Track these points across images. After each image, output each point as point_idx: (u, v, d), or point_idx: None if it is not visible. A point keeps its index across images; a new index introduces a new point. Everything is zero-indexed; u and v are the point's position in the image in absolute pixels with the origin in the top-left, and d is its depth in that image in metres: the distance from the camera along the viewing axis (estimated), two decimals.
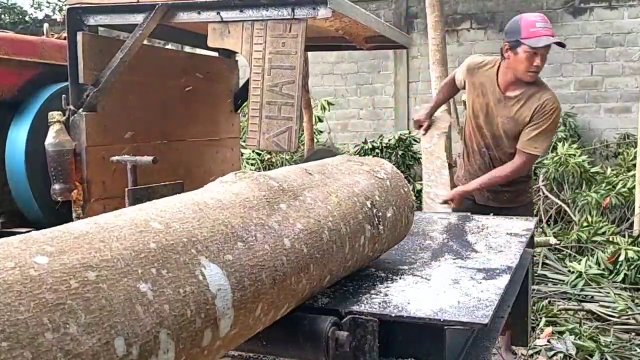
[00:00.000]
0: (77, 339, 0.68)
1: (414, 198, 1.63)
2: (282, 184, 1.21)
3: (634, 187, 5.35)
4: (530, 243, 2.10)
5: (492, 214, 2.53)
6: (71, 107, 1.93)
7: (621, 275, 4.31)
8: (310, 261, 1.15)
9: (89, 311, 0.71)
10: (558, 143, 6.55)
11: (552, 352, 3.37)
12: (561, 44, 2.73)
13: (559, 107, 2.83)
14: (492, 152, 2.97)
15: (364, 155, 6.57)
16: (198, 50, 2.75)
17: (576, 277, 4.33)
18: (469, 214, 2.48)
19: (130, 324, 0.75)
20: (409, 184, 1.62)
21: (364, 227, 1.36)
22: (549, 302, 4.05)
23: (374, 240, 1.41)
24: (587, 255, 4.72)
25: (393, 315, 1.20)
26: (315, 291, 1.24)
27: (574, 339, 3.43)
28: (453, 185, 3.12)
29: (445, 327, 1.18)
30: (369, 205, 1.40)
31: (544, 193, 6.11)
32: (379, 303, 1.27)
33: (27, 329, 0.64)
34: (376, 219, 1.41)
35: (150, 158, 1.81)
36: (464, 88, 3.11)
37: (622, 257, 4.36)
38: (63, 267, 0.73)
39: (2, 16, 10.26)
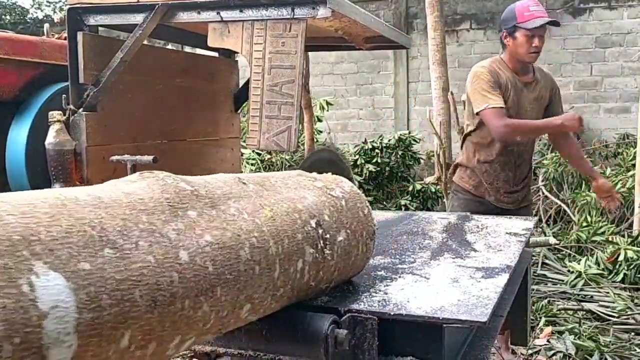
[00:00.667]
0: None
1: (375, 223, 1.44)
2: (198, 189, 1.04)
3: (633, 187, 5.36)
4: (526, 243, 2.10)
5: (509, 216, 2.52)
6: (71, 106, 1.93)
7: (621, 275, 4.32)
8: (216, 282, 0.93)
9: None
10: None
11: (552, 352, 3.37)
12: (555, 23, 2.90)
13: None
14: (518, 147, 3.01)
15: (363, 155, 6.58)
16: (198, 50, 2.76)
17: (576, 277, 4.33)
18: (468, 213, 2.49)
19: None
20: (370, 206, 1.43)
21: (304, 249, 1.15)
22: (549, 301, 4.06)
23: (318, 267, 1.20)
24: (586, 255, 4.72)
25: (392, 313, 1.20)
26: (229, 324, 1.00)
27: (574, 339, 3.43)
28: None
29: (445, 326, 1.18)
30: (313, 225, 1.20)
31: (543, 193, 6.12)
32: (378, 301, 1.27)
33: None
34: (322, 242, 1.20)
35: (150, 157, 1.81)
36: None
37: (621, 257, 4.36)
38: None
39: (4, 16, 10.27)
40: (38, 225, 0.75)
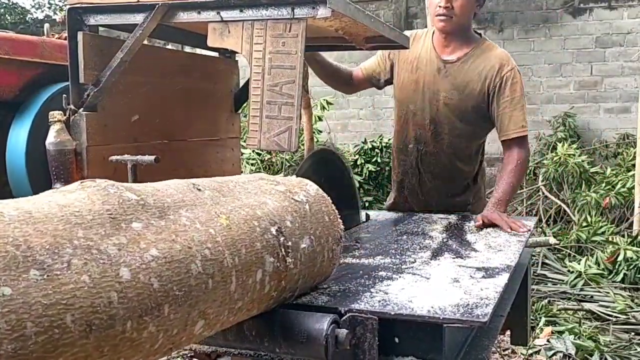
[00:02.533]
0: None
1: (342, 227, 1.38)
2: (145, 198, 0.96)
3: (633, 187, 5.36)
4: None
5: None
6: (72, 106, 1.93)
7: (620, 275, 4.33)
8: (164, 300, 0.86)
9: None
10: (558, 143, 6.56)
11: (552, 352, 3.37)
12: None
13: (516, 66, 2.39)
14: (425, 147, 2.48)
15: (363, 155, 6.58)
16: (198, 50, 2.76)
17: (575, 277, 4.34)
18: (468, 213, 2.49)
19: None
20: (337, 211, 1.38)
21: (264, 259, 1.09)
22: (549, 301, 4.06)
23: (279, 276, 1.14)
24: (586, 255, 4.73)
25: (393, 313, 1.21)
26: (180, 342, 0.94)
27: (574, 339, 3.44)
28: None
29: (445, 325, 1.18)
30: (274, 232, 1.14)
31: (543, 193, 6.12)
32: (379, 301, 1.27)
33: None
34: (283, 250, 1.14)
35: (152, 157, 1.81)
36: (378, 82, 2.61)
37: (621, 257, 4.37)
38: None
39: (4, 16, 10.27)
40: None
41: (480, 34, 2.52)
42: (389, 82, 2.63)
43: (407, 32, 2.58)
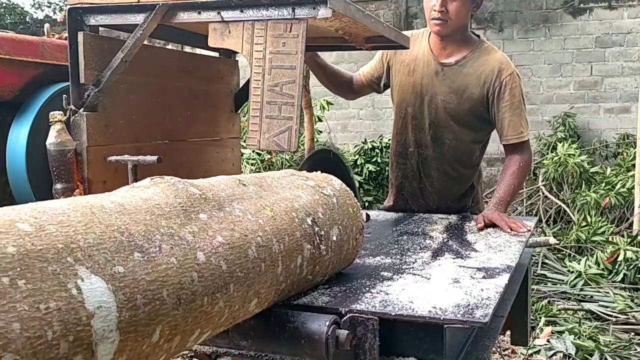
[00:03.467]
0: None
1: (363, 219, 1.52)
2: (205, 192, 1.09)
3: (633, 187, 5.37)
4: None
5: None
6: (72, 107, 1.93)
7: (620, 275, 4.33)
8: (230, 280, 1.00)
9: None
10: (558, 143, 6.56)
11: (552, 352, 3.38)
12: None
13: (516, 70, 2.35)
14: (425, 150, 2.45)
15: (363, 155, 6.59)
16: (198, 51, 2.76)
17: (575, 277, 4.34)
18: (468, 213, 2.49)
19: None
20: (359, 204, 1.52)
21: (302, 246, 1.22)
22: (549, 301, 4.06)
23: (314, 262, 1.27)
24: (586, 255, 4.73)
25: (393, 314, 1.21)
26: (238, 317, 1.08)
27: (574, 339, 3.44)
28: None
29: (446, 326, 1.18)
30: (310, 223, 1.27)
31: (543, 193, 6.12)
32: (380, 302, 1.27)
33: None
34: (317, 238, 1.27)
35: (154, 157, 1.81)
36: (378, 86, 2.59)
37: (621, 257, 4.37)
38: None
39: (4, 17, 10.27)
40: (76, 233, 0.80)
41: (478, 35, 2.48)
42: (388, 85, 2.61)
43: (406, 32, 2.56)
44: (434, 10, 2.26)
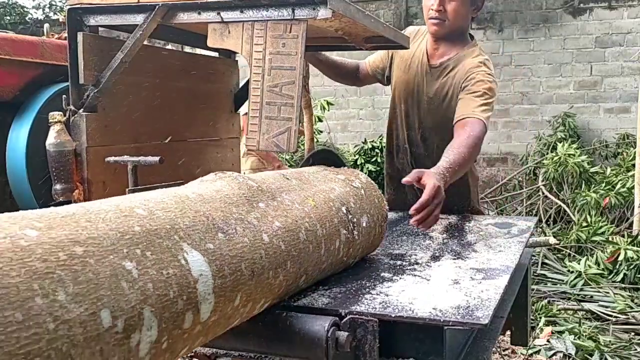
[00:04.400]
0: (65, 307, 0.71)
1: (387, 208, 1.65)
2: (260, 184, 1.26)
3: (633, 187, 5.37)
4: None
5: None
6: (72, 107, 1.93)
7: (620, 275, 4.33)
8: (287, 258, 1.18)
9: (77, 282, 0.74)
10: (558, 143, 6.56)
11: (552, 352, 3.38)
12: None
13: (491, 72, 2.22)
14: (417, 149, 2.44)
15: (363, 155, 6.59)
16: (198, 51, 2.75)
17: (575, 277, 4.34)
18: (468, 213, 2.48)
19: (116, 298, 0.78)
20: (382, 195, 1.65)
21: (340, 231, 1.39)
22: (549, 301, 4.06)
23: (349, 245, 1.44)
24: (586, 255, 4.73)
25: (393, 315, 1.20)
26: (291, 290, 1.26)
27: (574, 339, 3.44)
28: None
29: (445, 327, 1.18)
30: (344, 211, 1.44)
31: (543, 193, 6.12)
32: (379, 303, 1.27)
33: (18, 293, 0.67)
34: (351, 225, 1.45)
35: (156, 158, 1.81)
36: (382, 77, 2.57)
37: (621, 257, 4.37)
38: (52, 241, 0.76)
39: (4, 17, 10.26)
40: (176, 217, 0.98)
41: (472, 37, 2.44)
42: (390, 79, 2.61)
43: (413, 27, 2.57)
44: (432, 10, 2.24)
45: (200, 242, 0.98)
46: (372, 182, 1.65)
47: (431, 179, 1.72)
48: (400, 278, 1.47)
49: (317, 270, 1.33)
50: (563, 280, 4.42)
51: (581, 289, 4.23)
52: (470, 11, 2.31)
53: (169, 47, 5.44)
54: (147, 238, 0.89)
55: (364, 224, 1.51)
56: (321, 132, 7.70)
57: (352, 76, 2.68)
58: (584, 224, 5.20)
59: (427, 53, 2.39)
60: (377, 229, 1.59)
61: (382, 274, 1.51)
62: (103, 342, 0.75)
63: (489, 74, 2.21)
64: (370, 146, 6.82)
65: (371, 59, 2.64)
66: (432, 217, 1.70)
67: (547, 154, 6.59)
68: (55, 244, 0.76)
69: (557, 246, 4.90)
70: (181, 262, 0.92)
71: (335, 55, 2.68)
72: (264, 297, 1.13)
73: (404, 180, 1.76)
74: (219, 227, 1.05)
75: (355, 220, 1.47)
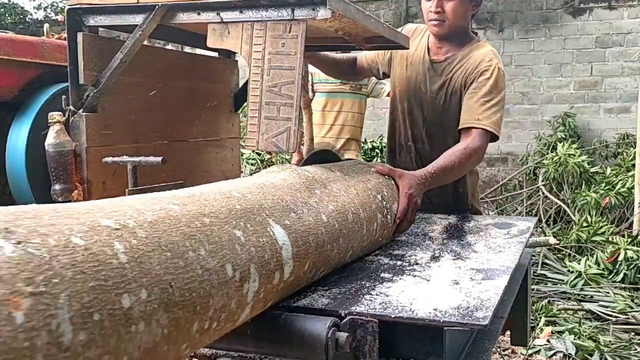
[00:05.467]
0: (206, 259, 0.96)
1: None
2: (314, 175, 1.51)
3: (633, 187, 5.37)
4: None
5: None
6: (71, 107, 1.93)
7: (620, 275, 4.33)
8: (339, 235, 1.42)
9: (210, 243, 1.00)
10: (558, 143, 6.56)
11: (552, 352, 3.38)
12: None
13: (500, 65, 2.26)
14: (422, 145, 2.46)
15: (363, 155, 6.59)
16: (198, 51, 2.75)
17: (576, 277, 4.34)
18: (468, 214, 2.48)
19: (233, 256, 1.04)
20: None
21: (377, 215, 1.65)
22: (549, 301, 4.06)
23: (383, 227, 1.70)
24: (586, 255, 4.73)
25: (393, 316, 1.20)
26: (341, 262, 1.51)
27: (574, 339, 3.44)
28: None
29: (445, 328, 1.18)
30: (380, 198, 1.69)
31: (543, 193, 6.12)
32: (379, 304, 1.27)
33: (178, 247, 0.92)
34: (385, 210, 1.70)
35: (159, 158, 1.81)
36: (377, 72, 2.60)
37: (621, 257, 4.37)
38: (188, 213, 1.01)
39: (4, 17, 10.26)
40: (260, 199, 1.22)
41: (476, 33, 2.48)
42: (387, 74, 2.63)
43: (411, 24, 2.59)
44: (430, 12, 2.28)
45: (280, 218, 1.22)
46: (406, 174, 1.88)
47: (405, 184, 1.84)
48: (400, 278, 1.47)
49: (359, 247, 1.58)
50: (563, 280, 4.42)
51: (581, 289, 4.23)
52: (470, 8, 2.33)
53: (169, 47, 5.43)
54: (245, 214, 1.14)
55: (394, 210, 1.77)
56: None
57: (350, 71, 2.71)
58: (584, 224, 5.20)
59: (428, 50, 2.41)
60: (392, 220, 1.81)
61: (382, 275, 1.51)
62: (227, 287, 1.00)
63: (498, 69, 2.24)
64: (370, 146, 6.82)
65: (368, 53, 2.64)
66: (407, 222, 1.83)
67: (547, 154, 6.59)
68: (191, 216, 1.01)
69: (557, 246, 4.90)
70: (270, 233, 1.16)
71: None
72: (323, 266, 1.38)
73: (378, 168, 1.84)
74: (291, 208, 1.28)
75: (388, 206, 1.72)
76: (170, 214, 0.97)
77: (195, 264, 0.93)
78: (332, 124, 4.53)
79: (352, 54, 2.76)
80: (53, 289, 0.69)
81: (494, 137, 2.22)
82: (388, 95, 3.99)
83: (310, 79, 4.34)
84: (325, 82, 4.26)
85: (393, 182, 1.81)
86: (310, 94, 4.51)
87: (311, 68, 4.31)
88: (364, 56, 2.66)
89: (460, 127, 2.21)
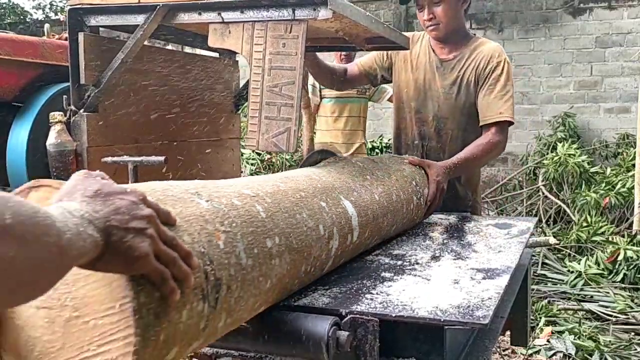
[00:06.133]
0: (306, 221, 1.30)
1: None
2: (361, 166, 1.81)
3: (633, 187, 5.37)
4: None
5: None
6: (72, 107, 1.93)
7: (620, 275, 4.33)
8: (387, 211, 1.73)
9: (307, 210, 1.33)
10: (558, 143, 6.56)
11: (552, 352, 3.38)
12: None
13: (507, 58, 2.49)
14: (429, 142, 2.58)
15: None
16: (198, 51, 2.76)
17: (576, 277, 4.34)
18: (468, 214, 2.48)
19: (322, 219, 1.37)
20: None
21: (412, 198, 1.96)
22: (549, 301, 4.07)
23: (418, 208, 2.01)
24: (586, 255, 4.73)
25: (394, 315, 1.21)
26: (388, 235, 1.83)
27: (574, 339, 3.44)
28: None
29: (446, 327, 1.18)
30: (414, 184, 2.00)
31: (543, 193, 6.12)
32: (380, 303, 1.27)
33: (291, 210, 1.27)
34: (419, 194, 2.01)
35: (161, 158, 1.82)
36: (375, 78, 2.70)
37: (621, 257, 4.37)
38: (290, 189, 1.34)
39: (4, 17, 10.26)
40: (332, 181, 1.56)
41: (474, 34, 2.61)
42: (386, 79, 2.70)
43: (406, 34, 2.60)
44: (425, 20, 2.45)
45: (347, 196, 1.54)
46: (434, 164, 2.20)
47: (433, 172, 2.16)
48: (400, 278, 1.47)
49: (401, 223, 1.89)
50: (563, 280, 4.42)
51: (581, 289, 4.23)
52: (460, 6, 2.47)
53: (170, 47, 5.44)
54: (324, 191, 1.46)
55: (425, 194, 2.07)
56: None
57: (338, 78, 2.73)
58: (584, 224, 5.20)
59: (433, 50, 2.53)
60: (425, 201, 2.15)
61: (383, 274, 1.51)
62: (320, 242, 1.34)
63: (507, 62, 2.47)
64: (370, 146, 6.81)
65: (363, 60, 2.70)
66: (435, 205, 2.15)
67: (547, 154, 6.59)
68: (292, 190, 1.34)
69: (557, 246, 4.91)
70: (342, 205, 1.49)
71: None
72: (377, 235, 1.71)
73: (410, 159, 2.15)
74: (353, 189, 1.60)
75: (421, 191, 2.03)
76: (280, 188, 1.31)
77: (302, 223, 1.27)
78: (342, 130, 4.52)
79: (343, 65, 2.77)
80: (233, 229, 1.04)
81: (510, 123, 2.47)
82: (390, 100, 4.01)
83: (317, 84, 4.34)
84: None
85: (423, 171, 2.09)
86: (317, 99, 4.49)
87: None
88: (359, 64, 2.71)
89: (482, 124, 2.43)
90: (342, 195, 1.51)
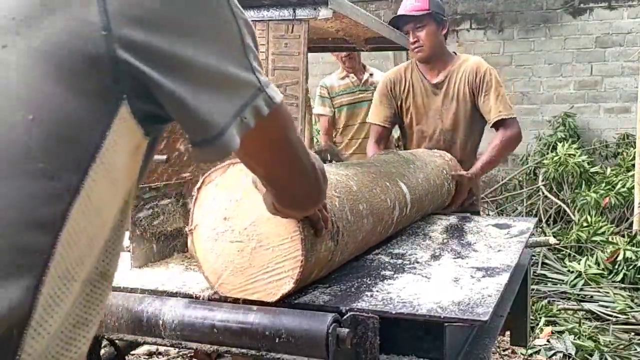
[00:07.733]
0: (379, 195, 1.70)
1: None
2: (404, 155, 2.25)
3: (633, 187, 5.37)
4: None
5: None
6: None
7: (620, 275, 4.33)
8: (428, 192, 2.14)
9: (379, 186, 1.73)
10: (558, 143, 6.56)
11: (552, 352, 3.39)
12: (404, 18, 2.69)
13: (489, 66, 2.86)
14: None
15: None
16: None
17: (575, 277, 4.34)
18: (468, 214, 2.50)
19: (389, 194, 1.77)
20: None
21: (444, 184, 2.37)
22: (549, 301, 4.07)
23: (448, 193, 2.42)
24: (586, 255, 4.73)
25: (394, 312, 1.21)
26: (427, 213, 2.25)
27: (574, 339, 3.45)
28: None
29: (446, 324, 1.19)
30: (445, 172, 2.41)
31: (543, 193, 6.12)
32: (380, 300, 1.28)
33: (371, 185, 1.70)
34: (448, 181, 2.42)
35: (163, 157, 1.83)
36: (399, 119, 2.99)
37: (621, 257, 4.38)
38: (367, 171, 1.78)
39: None
40: (389, 168, 1.97)
41: (455, 53, 2.98)
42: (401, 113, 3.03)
43: (392, 71, 3.00)
44: (410, 43, 2.77)
45: (401, 179, 1.93)
46: (454, 158, 2.63)
47: (465, 182, 2.58)
48: (400, 276, 1.48)
49: (436, 204, 2.30)
50: (563, 280, 4.43)
51: (581, 289, 4.23)
52: (439, 32, 2.82)
53: None
54: (386, 175, 1.85)
55: (453, 182, 2.47)
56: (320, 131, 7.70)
57: (386, 142, 3.08)
58: (584, 224, 5.20)
59: (424, 77, 2.88)
60: (453, 187, 2.55)
61: (383, 272, 1.52)
62: (388, 210, 1.73)
63: (490, 69, 2.85)
64: None
65: (380, 118, 2.97)
66: (462, 202, 2.62)
67: (547, 154, 6.59)
68: (367, 173, 1.75)
69: (557, 246, 4.91)
70: (400, 186, 1.89)
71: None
72: (421, 210, 2.11)
73: (452, 174, 2.55)
74: (403, 174, 1.98)
75: (449, 177, 2.44)
76: (359, 171, 1.73)
77: (377, 196, 1.66)
78: (360, 138, 4.17)
79: (375, 136, 3.00)
80: (341, 195, 1.45)
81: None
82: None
83: (327, 94, 4.15)
84: (344, 94, 4.10)
85: (451, 163, 2.52)
86: (329, 109, 4.24)
87: (327, 82, 4.22)
88: (380, 123, 2.97)
89: (491, 123, 2.81)
90: (397, 178, 1.91)
